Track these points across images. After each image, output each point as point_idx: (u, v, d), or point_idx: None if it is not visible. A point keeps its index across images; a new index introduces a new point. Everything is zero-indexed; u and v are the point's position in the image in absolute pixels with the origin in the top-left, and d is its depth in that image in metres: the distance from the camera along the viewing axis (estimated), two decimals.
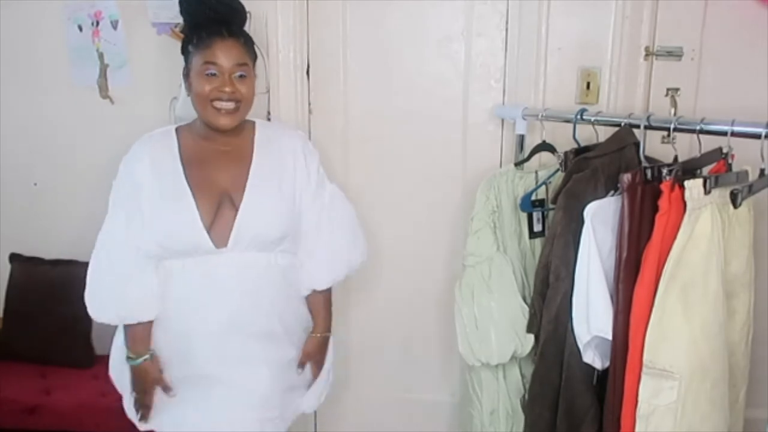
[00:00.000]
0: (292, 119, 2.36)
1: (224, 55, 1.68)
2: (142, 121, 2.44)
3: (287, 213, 1.76)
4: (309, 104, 2.41)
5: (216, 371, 1.75)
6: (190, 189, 1.69)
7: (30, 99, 2.54)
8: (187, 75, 1.75)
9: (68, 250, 2.54)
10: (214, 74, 1.68)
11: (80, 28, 2.43)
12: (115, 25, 2.42)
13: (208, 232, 1.67)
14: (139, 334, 1.75)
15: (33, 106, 2.54)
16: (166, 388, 1.78)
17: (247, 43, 1.76)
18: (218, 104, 1.68)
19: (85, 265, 2.49)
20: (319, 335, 1.90)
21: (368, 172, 2.45)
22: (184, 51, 1.76)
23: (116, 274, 1.72)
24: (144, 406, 1.80)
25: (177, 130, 1.80)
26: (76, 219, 2.59)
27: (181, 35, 2.37)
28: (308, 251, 1.82)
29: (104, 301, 1.75)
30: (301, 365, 1.88)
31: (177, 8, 2.33)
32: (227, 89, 1.67)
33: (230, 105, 1.69)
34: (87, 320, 2.47)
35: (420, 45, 2.36)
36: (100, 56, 2.44)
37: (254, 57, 1.79)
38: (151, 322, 1.74)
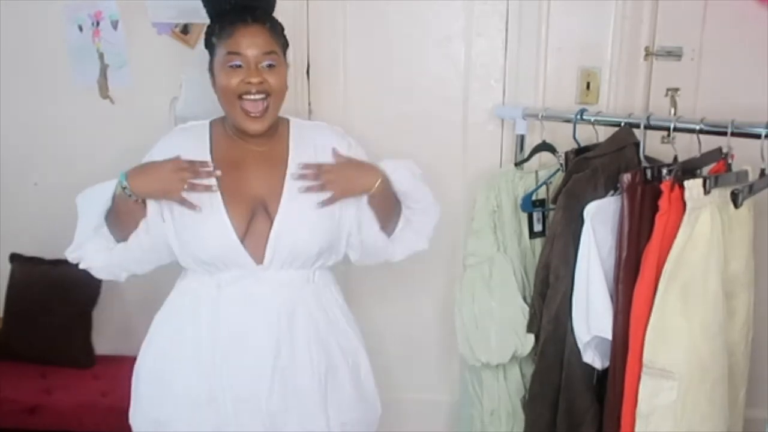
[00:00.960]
0: None
1: (249, 43, 1.49)
2: (142, 121, 2.46)
3: (327, 221, 1.57)
4: (309, 104, 2.41)
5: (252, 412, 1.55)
6: (222, 195, 1.51)
7: (30, 99, 2.54)
8: (211, 70, 1.58)
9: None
10: (239, 65, 1.50)
11: (80, 28, 2.43)
12: (115, 25, 2.42)
13: (243, 245, 1.50)
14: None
15: (33, 106, 2.54)
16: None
17: (275, 28, 1.56)
18: (247, 98, 1.50)
19: None
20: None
21: None
22: (208, 44, 1.58)
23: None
24: (190, 183, 1.50)
25: (211, 123, 1.63)
26: (76, 219, 2.59)
27: (181, 35, 2.39)
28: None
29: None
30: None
31: (177, 8, 2.35)
32: (254, 80, 1.49)
33: (259, 97, 1.50)
34: (87, 320, 2.51)
35: (420, 45, 2.36)
36: (100, 56, 2.44)
37: (285, 44, 1.60)
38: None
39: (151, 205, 1.54)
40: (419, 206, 1.70)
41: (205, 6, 1.61)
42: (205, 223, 1.50)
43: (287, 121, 1.66)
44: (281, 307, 1.55)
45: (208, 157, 1.55)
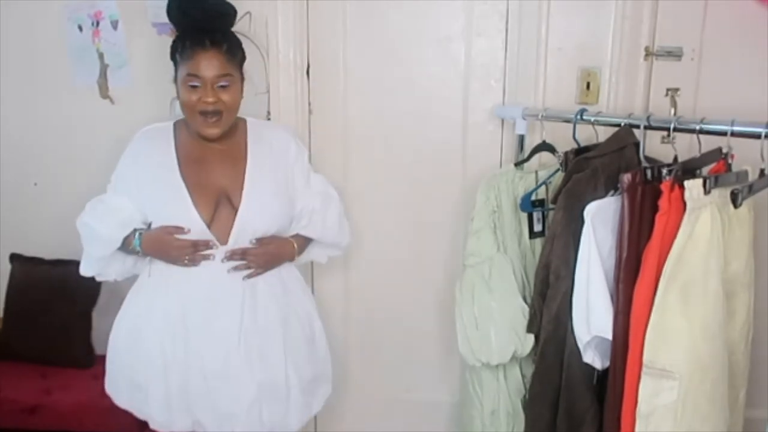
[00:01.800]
0: (292, 119, 2.36)
1: (206, 66, 1.72)
2: (142, 121, 2.44)
3: (283, 208, 1.84)
4: (309, 104, 2.41)
5: (223, 369, 1.78)
6: (187, 188, 1.74)
7: (30, 99, 2.53)
8: (175, 82, 1.81)
9: (68, 250, 2.53)
10: (197, 86, 1.73)
11: (80, 28, 2.43)
12: (115, 25, 2.42)
13: (210, 231, 1.74)
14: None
15: (33, 105, 2.54)
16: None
17: (231, 49, 1.77)
18: (203, 113, 1.73)
19: None
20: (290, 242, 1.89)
21: (368, 171, 2.45)
22: (172, 58, 1.81)
23: (107, 223, 1.80)
24: (191, 256, 1.75)
25: (175, 125, 1.85)
26: (76, 219, 2.59)
27: None
28: (313, 232, 1.92)
29: (100, 243, 1.83)
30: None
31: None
32: (210, 99, 1.72)
33: (213, 117, 1.74)
34: (87, 320, 2.51)
35: (420, 45, 2.36)
36: (100, 56, 2.44)
37: (241, 60, 1.82)
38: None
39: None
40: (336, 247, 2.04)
41: (171, 21, 1.85)
42: (175, 214, 1.74)
43: (245, 121, 1.89)
44: (244, 284, 1.77)
45: (173, 158, 1.78)
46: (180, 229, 1.73)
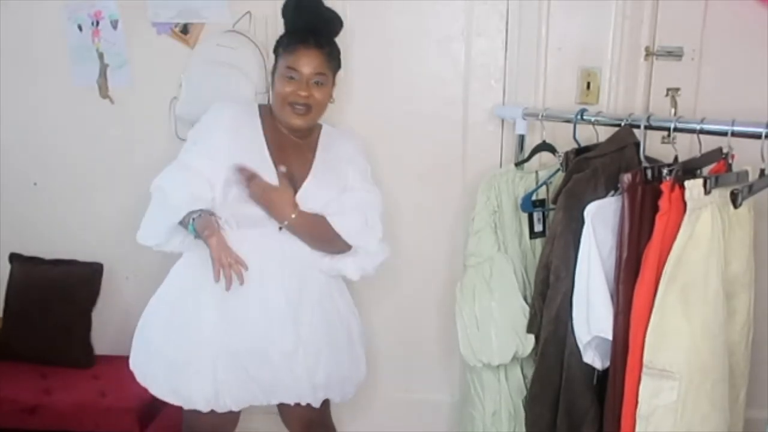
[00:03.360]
0: None
1: (305, 63, 1.84)
2: (142, 121, 2.46)
3: (331, 198, 1.91)
4: None
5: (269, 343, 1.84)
6: (275, 167, 1.84)
7: (30, 99, 2.54)
8: (273, 73, 1.91)
9: (68, 250, 2.54)
10: (294, 78, 1.84)
11: (80, 28, 2.43)
12: (115, 25, 2.42)
13: None
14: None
15: (33, 105, 2.54)
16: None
17: (331, 53, 1.90)
18: (294, 106, 1.84)
19: (85, 265, 2.51)
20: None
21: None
22: (275, 51, 1.92)
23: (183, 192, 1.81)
24: (226, 262, 1.77)
25: (260, 108, 1.96)
26: (76, 219, 2.59)
27: (181, 35, 2.39)
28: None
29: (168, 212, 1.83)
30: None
31: (177, 8, 2.35)
32: (303, 93, 1.84)
33: (302, 107, 1.85)
34: (87, 320, 2.51)
35: (420, 45, 2.36)
36: (100, 56, 2.44)
37: (337, 66, 1.94)
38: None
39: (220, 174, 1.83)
40: (362, 250, 1.97)
41: (284, 19, 1.95)
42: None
43: (320, 126, 2.00)
44: (294, 265, 1.87)
45: (261, 136, 1.88)
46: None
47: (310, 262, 1.92)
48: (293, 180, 1.87)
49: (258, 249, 1.83)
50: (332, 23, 1.97)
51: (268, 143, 1.89)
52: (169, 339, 1.87)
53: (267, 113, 1.95)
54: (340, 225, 1.90)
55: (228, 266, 1.74)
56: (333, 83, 1.93)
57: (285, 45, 1.88)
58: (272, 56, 2.30)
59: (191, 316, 1.85)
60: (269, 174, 1.83)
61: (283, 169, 1.85)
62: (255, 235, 1.85)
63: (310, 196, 1.88)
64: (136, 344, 1.97)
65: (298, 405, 1.93)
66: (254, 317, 1.84)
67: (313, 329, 1.90)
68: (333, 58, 1.92)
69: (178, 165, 1.87)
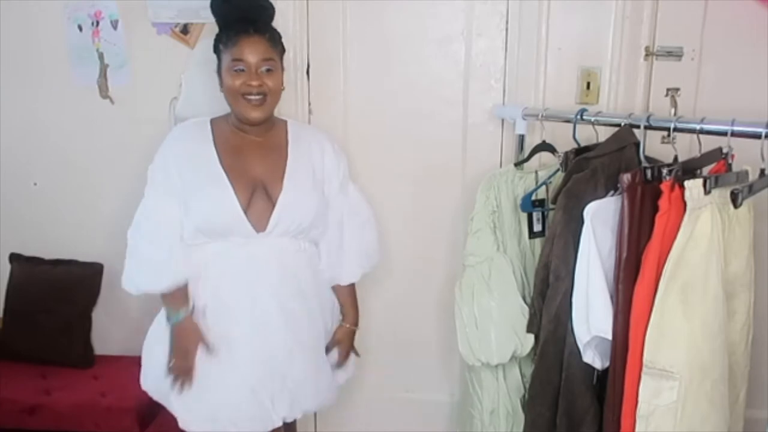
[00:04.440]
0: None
1: (250, 51, 1.80)
2: (142, 121, 2.46)
3: (318, 205, 1.90)
4: (309, 104, 2.41)
5: (254, 348, 1.84)
6: (226, 174, 1.80)
7: (30, 99, 2.54)
8: (219, 72, 1.87)
9: (68, 250, 2.54)
10: (242, 70, 1.80)
11: (80, 28, 2.43)
12: (115, 25, 2.42)
13: (246, 216, 1.79)
14: (179, 293, 1.83)
15: (33, 106, 2.54)
16: (209, 347, 1.83)
17: (273, 38, 1.86)
18: (248, 97, 1.80)
19: (85, 265, 2.52)
20: (348, 326, 2.06)
21: (368, 171, 2.44)
22: (216, 50, 1.88)
23: (157, 244, 1.82)
24: (186, 370, 1.82)
25: (212, 121, 1.91)
26: (76, 219, 2.59)
27: (181, 35, 2.39)
28: (334, 245, 1.98)
29: (150, 271, 1.83)
30: (328, 349, 2.00)
31: (177, 8, 2.35)
32: (254, 83, 1.79)
33: (258, 97, 1.80)
34: (87, 320, 2.51)
35: (420, 45, 2.36)
36: (100, 56, 2.44)
37: (281, 51, 1.89)
38: (186, 284, 1.84)
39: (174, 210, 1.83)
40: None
41: (215, 18, 1.91)
42: (216, 199, 1.79)
43: (285, 121, 1.97)
44: (281, 268, 1.85)
45: (212, 147, 1.84)
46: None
47: (294, 261, 1.89)
48: (266, 188, 1.83)
49: (238, 258, 1.82)
50: (266, 9, 1.93)
51: (221, 157, 1.83)
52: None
53: (221, 123, 1.91)
54: (359, 266, 2.03)
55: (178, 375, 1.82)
56: (282, 68, 1.88)
57: (225, 41, 1.84)
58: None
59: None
60: (224, 190, 1.79)
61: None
62: (228, 246, 1.82)
63: (290, 209, 1.83)
64: (146, 365, 1.95)
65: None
66: (242, 324, 1.83)
67: (307, 333, 1.92)
68: (276, 43, 1.87)
69: (146, 215, 1.86)
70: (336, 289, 2.04)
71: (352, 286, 2.07)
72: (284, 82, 1.89)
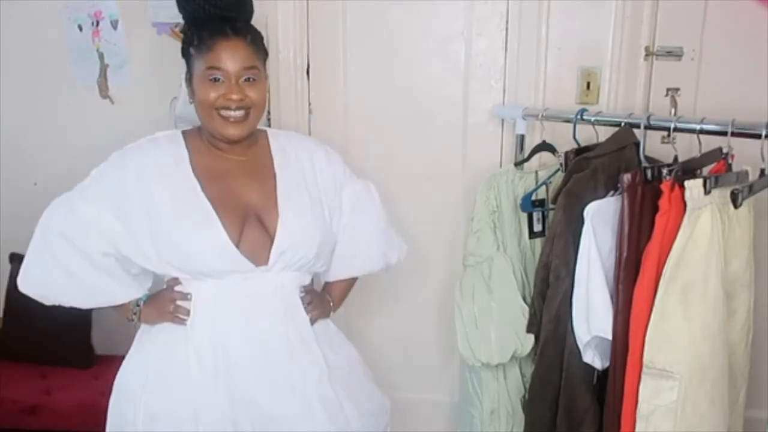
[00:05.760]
0: (292, 119, 2.36)
1: (229, 57, 1.48)
2: (142, 121, 2.45)
3: (321, 228, 1.61)
4: (309, 104, 2.41)
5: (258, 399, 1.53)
6: (213, 207, 1.50)
7: (30, 99, 2.54)
8: (189, 80, 1.56)
9: None
10: (219, 79, 1.49)
11: (80, 28, 2.43)
12: (115, 25, 2.42)
13: (239, 251, 1.49)
14: (120, 308, 1.61)
15: (33, 105, 2.54)
16: (181, 295, 1.54)
17: (255, 40, 1.55)
18: (225, 113, 1.50)
19: None
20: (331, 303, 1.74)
21: (368, 171, 2.43)
22: (185, 53, 1.56)
23: (75, 263, 1.59)
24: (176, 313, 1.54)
25: (184, 135, 1.60)
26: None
27: (181, 35, 2.38)
28: (341, 248, 1.70)
29: (59, 287, 1.65)
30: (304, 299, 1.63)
31: (177, 8, 2.34)
32: (234, 96, 1.48)
33: (239, 113, 1.50)
34: (87, 320, 2.51)
35: (420, 45, 2.36)
36: (100, 56, 2.45)
37: (264, 55, 1.59)
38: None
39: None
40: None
41: (181, 13, 1.57)
42: (202, 236, 1.48)
43: (265, 132, 1.67)
44: (283, 307, 1.56)
45: (189, 171, 1.53)
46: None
47: (297, 297, 1.59)
48: (258, 217, 1.52)
49: (236, 297, 1.52)
50: (246, 4, 1.59)
51: (201, 183, 1.51)
52: (150, 412, 1.53)
53: (195, 139, 1.58)
54: (360, 268, 1.75)
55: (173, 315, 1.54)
56: (266, 76, 1.57)
57: (196, 43, 1.50)
58: (272, 56, 2.30)
59: (174, 392, 1.53)
60: (211, 226, 1.47)
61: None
62: (226, 284, 1.52)
63: (292, 239, 1.52)
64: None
65: None
66: (252, 382, 1.53)
67: (310, 376, 1.58)
68: (259, 47, 1.55)
69: (69, 218, 1.64)
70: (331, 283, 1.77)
71: (349, 279, 1.80)
72: (267, 92, 1.60)
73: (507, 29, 2.30)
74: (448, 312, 2.19)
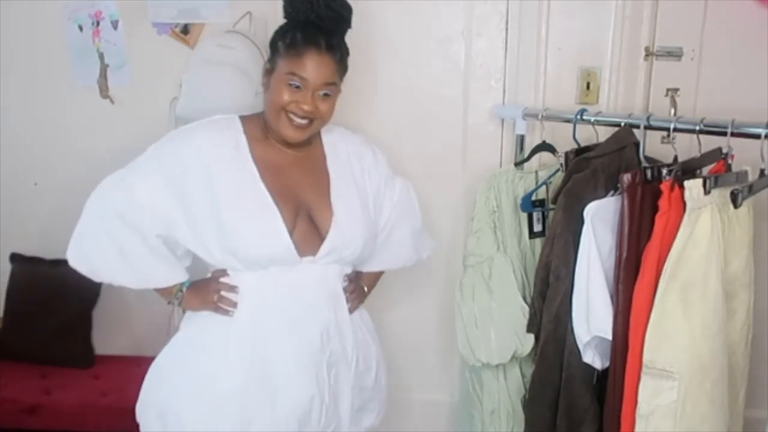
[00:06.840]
0: None
1: (314, 70, 1.53)
2: (142, 121, 2.46)
3: (369, 226, 1.69)
4: None
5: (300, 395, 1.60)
6: (273, 199, 1.55)
7: (30, 99, 2.54)
8: (268, 72, 1.60)
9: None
10: (298, 86, 1.54)
11: (80, 28, 2.43)
12: (115, 25, 2.42)
13: (293, 243, 1.55)
14: (163, 291, 1.65)
15: (33, 105, 2.54)
16: (227, 287, 1.59)
17: (343, 59, 1.61)
18: (292, 116, 1.55)
19: None
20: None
21: None
22: (273, 45, 1.60)
23: (129, 243, 1.57)
24: (222, 305, 1.59)
25: (242, 121, 1.63)
26: (76, 219, 2.58)
27: (181, 35, 2.39)
28: (380, 243, 1.79)
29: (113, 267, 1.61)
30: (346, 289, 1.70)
31: (177, 8, 2.35)
32: (306, 107, 1.54)
33: (305, 121, 1.56)
34: (87, 320, 2.51)
35: (420, 45, 2.36)
36: (100, 56, 2.44)
37: (345, 71, 1.65)
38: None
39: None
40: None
41: (285, 9, 1.61)
42: (261, 224, 1.54)
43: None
44: (325, 296, 1.62)
45: (249, 158, 1.58)
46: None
47: (339, 289, 1.66)
48: (309, 211, 1.59)
49: (281, 287, 1.57)
50: (347, 23, 1.63)
51: (261, 173, 1.57)
52: (189, 392, 1.61)
53: (254, 128, 1.63)
54: (395, 262, 1.88)
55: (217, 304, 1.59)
56: (340, 90, 1.65)
57: (288, 43, 1.55)
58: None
59: (215, 369, 1.58)
60: (272, 219, 1.53)
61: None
62: (271, 274, 1.57)
63: (345, 235, 1.60)
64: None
65: None
66: (284, 361, 1.58)
67: (347, 371, 1.69)
68: (343, 65, 1.62)
69: (129, 199, 1.61)
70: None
71: (381, 272, 1.89)
72: (335, 106, 1.64)
73: (507, 29, 2.29)
74: (448, 312, 2.19)
